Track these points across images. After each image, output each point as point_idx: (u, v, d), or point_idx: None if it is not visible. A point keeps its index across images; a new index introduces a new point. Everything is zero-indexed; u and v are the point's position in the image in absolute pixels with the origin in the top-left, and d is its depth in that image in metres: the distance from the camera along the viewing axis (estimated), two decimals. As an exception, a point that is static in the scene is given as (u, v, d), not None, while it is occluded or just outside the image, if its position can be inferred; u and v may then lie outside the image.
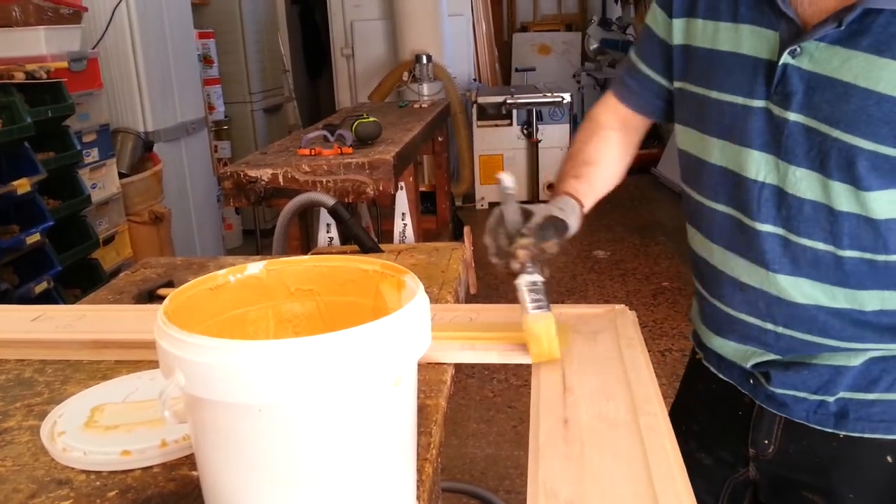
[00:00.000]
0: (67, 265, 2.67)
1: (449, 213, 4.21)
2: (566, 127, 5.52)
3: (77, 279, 2.79)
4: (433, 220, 4.08)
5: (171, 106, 3.71)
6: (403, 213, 2.65)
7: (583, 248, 4.59)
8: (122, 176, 3.24)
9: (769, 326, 0.87)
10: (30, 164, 2.47)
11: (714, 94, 0.86)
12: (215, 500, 0.56)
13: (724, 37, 0.85)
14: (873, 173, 0.74)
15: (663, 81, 0.98)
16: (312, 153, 2.28)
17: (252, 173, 2.16)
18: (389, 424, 0.55)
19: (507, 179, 0.92)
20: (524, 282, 0.87)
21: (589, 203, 0.99)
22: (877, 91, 0.72)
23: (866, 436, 0.85)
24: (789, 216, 0.81)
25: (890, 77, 0.72)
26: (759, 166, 0.82)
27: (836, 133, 0.75)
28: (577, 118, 5.83)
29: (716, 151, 0.87)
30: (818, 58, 0.76)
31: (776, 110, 0.80)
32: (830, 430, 0.87)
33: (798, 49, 0.77)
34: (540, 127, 5.48)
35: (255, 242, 4.66)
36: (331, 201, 1.58)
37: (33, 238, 2.42)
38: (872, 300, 0.81)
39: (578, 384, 0.75)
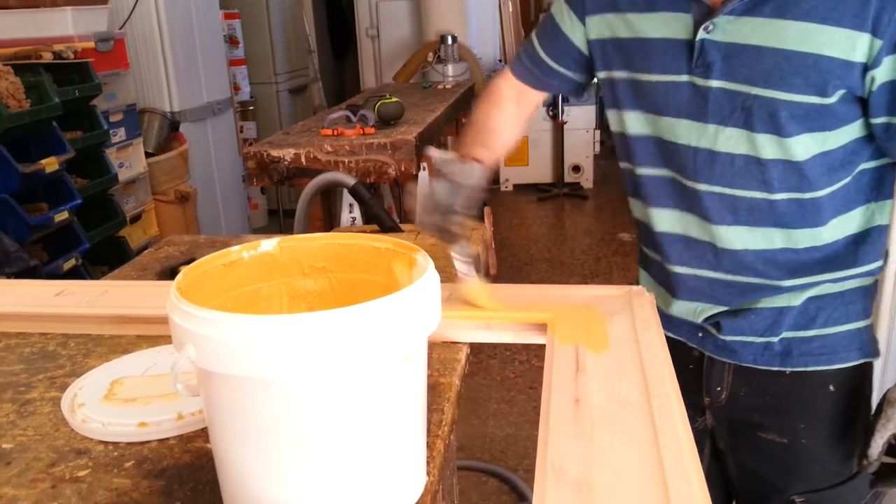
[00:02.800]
0: (95, 243, 2.71)
1: (472, 194, 4.19)
2: (592, 108, 5.45)
3: (105, 256, 2.84)
4: (456, 201, 4.05)
5: (197, 86, 3.73)
6: (425, 194, 2.65)
7: (608, 230, 4.56)
8: (148, 155, 3.28)
9: (718, 276, 0.96)
10: (58, 143, 2.51)
11: (643, 77, 0.95)
12: (226, 473, 0.57)
13: (643, 26, 0.94)
14: (792, 121, 0.85)
15: (569, 74, 1.07)
16: (335, 133, 2.28)
17: (275, 153, 2.17)
18: (398, 401, 0.55)
19: (437, 153, 0.98)
20: (455, 250, 0.95)
21: (492, 168, 1.05)
22: (785, 49, 0.83)
23: (809, 369, 0.96)
24: (723, 172, 0.90)
25: (794, 35, 0.82)
26: (690, 133, 0.91)
27: (756, 90, 0.86)
28: (603, 100, 5.76)
29: (650, 126, 0.96)
30: (729, 29, 0.86)
31: (699, 81, 0.89)
32: (777, 369, 0.97)
33: (711, 25, 0.87)
34: (566, 108, 5.41)
35: (279, 222, 4.70)
36: (351, 181, 1.59)
37: (61, 216, 2.45)
38: (804, 238, 0.91)
39: (592, 364, 0.75)
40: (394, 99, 2.43)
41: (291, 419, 0.52)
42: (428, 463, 0.66)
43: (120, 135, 3.07)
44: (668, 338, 1.00)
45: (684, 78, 0.91)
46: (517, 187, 5.64)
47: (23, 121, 2.32)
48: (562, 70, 1.07)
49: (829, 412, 0.97)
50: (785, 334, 0.96)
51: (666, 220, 0.99)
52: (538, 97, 1.12)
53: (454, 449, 1.04)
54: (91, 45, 2.84)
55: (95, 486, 0.66)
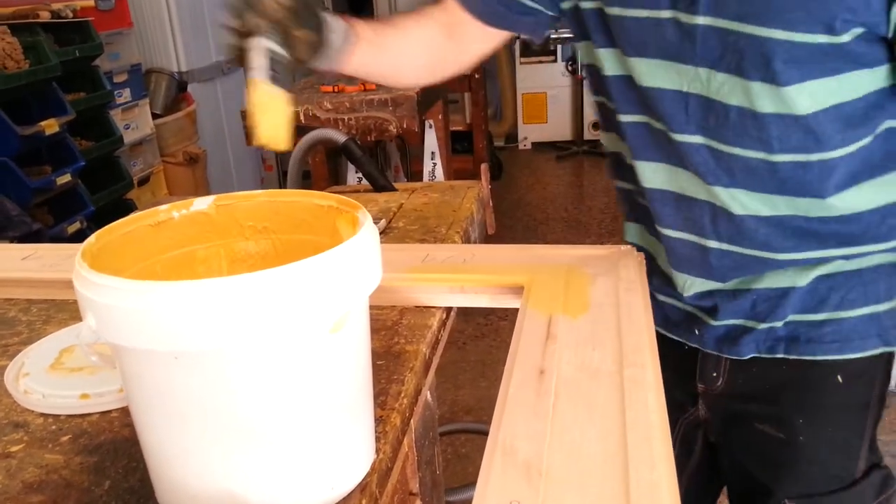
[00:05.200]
0: (101, 206, 2.69)
1: (486, 152, 4.11)
2: (613, 63, 5.29)
3: (112, 220, 2.81)
4: (469, 159, 3.98)
5: (205, 45, 3.66)
6: (433, 153, 2.57)
7: (627, 188, 4.44)
8: (155, 117, 3.23)
9: (713, 244, 0.83)
10: (58, 105, 2.47)
11: (615, 12, 0.80)
12: (146, 450, 0.53)
13: None
14: (790, 66, 0.70)
15: (543, 9, 0.90)
16: (336, 90, 2.21)
17: (273, 111, 2.11)
18: (326, 375, 0.50)
19: None
20: (261, 44, 0.71)
21: (361, 54, 0.87)
22: None
23: (817, 358, 0.82)
24: (717, 125, 0.77)
25: None
26: (680, 78, 0.78)
27: (748, 29, 0.71)
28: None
29: (626, 68, 0.82)
30: None
31: (683, 17, 0.75)
32: (780, 356, 0.84)
33: None
34: (585, 63, 5.26)
35: (280, 183, 4.66)
36: (342, 138, 1.52)
37: (63, 178, 2.43)
38: (813, 207, 0.77)
39: (565, 331, 0.69)
40: (397, 53, 2.35)
41: (202, 396, 0.47)
42: (379, 439, 0.61)
43: (125, 96, 3.02)
44: (659, 334, 0.89)
45: (666, 14, 0.76)
46: (535, 146, 5.53)
47: (20, 81, 2.28)
48: (536, 6, 0.90)
49: (835, 407, 0.85)
50: (791, 317, 0.83)
51: (655, 175, 0.85)
52: (476, 29, 0.94)
53: (434, 418, 0.99)
54: (91, 3, 2.79)
55: (26, 463, 0.62)
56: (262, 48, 0.71)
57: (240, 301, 0.44)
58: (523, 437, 0.53)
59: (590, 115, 5.32)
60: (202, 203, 0.62)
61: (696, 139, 0.79)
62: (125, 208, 2.91)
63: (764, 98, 0.73)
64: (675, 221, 0.86)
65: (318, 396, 0.49)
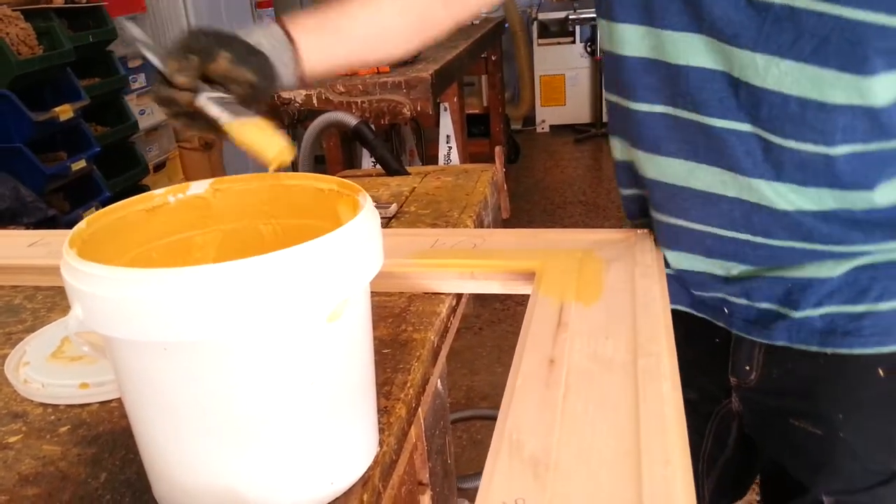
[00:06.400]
0: (117, 191, 2.69)
1: (503, 135, 4.07)
2: (632, 43, 5.20)
3: (128, 206, 2.82)
4: (486, 143, 3.94)
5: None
6: (448, 136, 2.54)
7: (646, 171, 4.38)
8: (170, 102, 3.22)
9: (745, 237, 0.76)
10: (72, 90, 2.47)
11: None
12: (140, 443, 0.51)
13: None
14: (881, 55, 0.61)
15: None
16: (348, 73, 2.18)
17: (286, 95, 2.09)
18: (323, 367, 0.47)
19: (134, 29, 0.75)
20: (204, 98, 0.70)
21: (319, 51, 0.80)
22: None
23: (856, 352, 0.76)
24: (770, 116, 0.68)
25: None
26: (728, 60, 0.68)
27: (838, 10, 0.62)
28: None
29: (653, 48, 0.73)
30: None
31: None
32: (816, 349, 0.78)
33: None
34: (604, 44, 5.18)
35: (295, 168, 4.63)
36: (354, 121, 1.49)
37: (79, 164, 2.43)
38: (860, 200, 0.71)
39: (577, 319, 0.66)
40: (411, 35, 2.31)
41: (193, 388, 0.45)
42: (383, 431, 0.59)
43: (140, 81, 3.02)
44: (689, 315, 0.86)
45: None
46: (554, 128, 5.47)
47: (33, 67, 2.27)
48: None
49: (875, 401, 0.80)
50: (828, 309, 0.77)
51: (679, 171, 0.77)
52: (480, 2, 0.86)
53: (446, 406, 0.97)
54: (104, -13, 2.77)
55: (23, 454, 0.60)
56: (208, 102, 0.70)
57: (228, 289, 0.41)
58: (531, 431, 0.51)
59: (609, 96, 5.25)
60: (199, 187, 0.60)
61: (745, 127, 0.71)
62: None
63: (837, 88, 0.65)
64: (701, 217, 0.78)
65: (314, 389, 0.47)
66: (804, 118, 0.67)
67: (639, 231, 0.86)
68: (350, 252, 0.46)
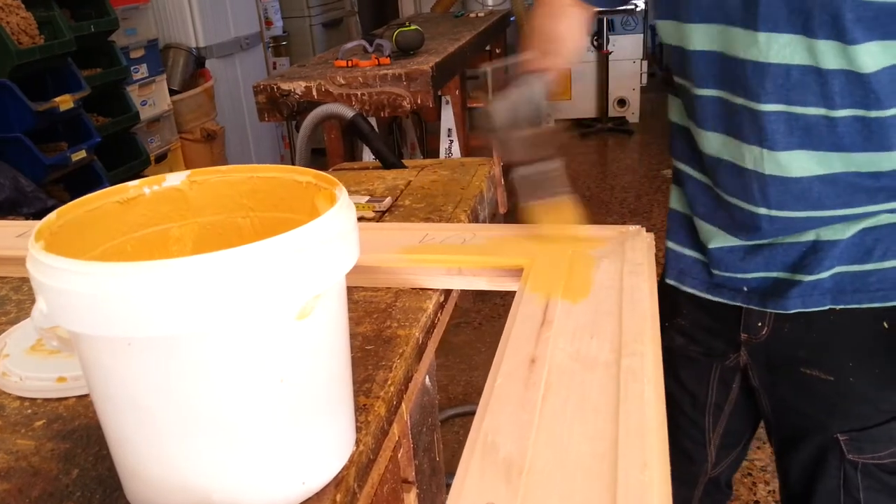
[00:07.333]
0: (118, 182, 2.69)
1: (508, 130, 4.03)
2: (639, 38, 5.16)
3: (129, 197, 2.81)
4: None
5: (224, 21, 3.63)
6: (449, 130, 2.52)
7: (651, 167, 4.36)
8: (173, 93, 3.22)
9: (762, 211, 0.84)
10: (73, 80, 2.46)
11: None
12: (109, 440, 0.50)
13: None
14: (858, 25, 0.72)
15: None
16: (349, 65, 2.17)
17: (285, 86, 2.07)
18: (293, 365, 0.46)
19: (496, 64, 0.93)
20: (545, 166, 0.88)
21: (560, 76, 0.96)
22: None
23: (863, 306, 0.85)
24: (776, 88, 0.78)
25: None
26: (741, 43, 0.79)
27: None
28: (652, 28, 5.45)
29: (702, 37, 0.83)
30: None
31: None
32: (827, 308, 0.86)
33: None
34: (611, 38, 5.13)
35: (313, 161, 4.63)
36: (350, 113, 1.48)
37: (79, 155, 2.42)
38: (866, 163, 0.79)
39: (562, 317, 0.65)
40: (413, 27, 2.29)
41: (158, 384, 0.44)
42: (360, 429, 0.58)
43: (142, 71, 3.01)
44: (705, 300, 0.94)
45: None
46: (558, 122, 5.43)
47: (34, 57, 2.26)
48: None
49: (882, 349, 0.87)
50: (837, 268, 0.85)
51: (715, 143, 0.87)
52: (588, 8, 1.01)
53: (434, 404, 0.96)
54: (106, -23, 2.76)
55: (-4, 449, 0.59)
56: (543, 170, 0.88)
57: (191, 285, 0.40)
58: (507, 433, 0.49)
59: (615, 91, 5.22)
60: (175, 178, 0.59)
61: (754, 104, 0.80)
62: (142, 185, 2.91)
63: (829, 55, 0.75)
64: (730, 188, 0.87)
65: (283, 387, 0.46)
66: (806, 83, 0.77)
67: (630, 227, 0.85)
68: (320, 248, 0.45)
